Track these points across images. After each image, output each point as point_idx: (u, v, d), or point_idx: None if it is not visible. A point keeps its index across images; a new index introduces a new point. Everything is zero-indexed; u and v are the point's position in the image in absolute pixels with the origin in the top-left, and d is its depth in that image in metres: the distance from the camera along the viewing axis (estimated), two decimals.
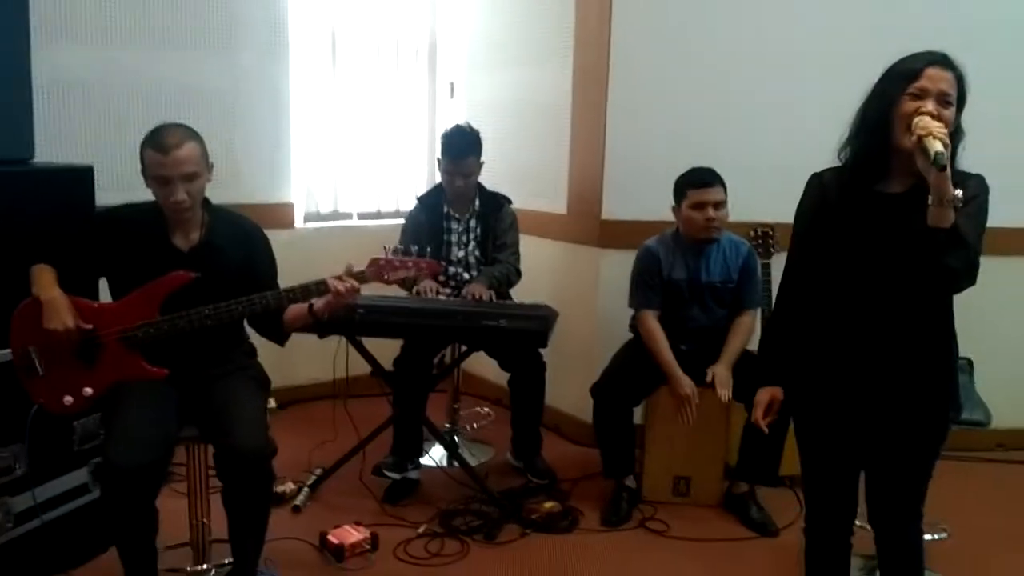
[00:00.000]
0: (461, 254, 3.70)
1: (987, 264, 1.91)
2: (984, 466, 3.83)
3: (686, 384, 3.25)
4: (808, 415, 2.16)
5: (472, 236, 3.71)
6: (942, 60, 1.90)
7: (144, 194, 2.49)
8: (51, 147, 3.07)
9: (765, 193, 3.65)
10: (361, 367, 3.48)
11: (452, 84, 4.85)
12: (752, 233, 3.59)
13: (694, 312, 3.39)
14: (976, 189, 1.91)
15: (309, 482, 3.42)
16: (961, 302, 2.03)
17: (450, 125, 3.73)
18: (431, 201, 3.73)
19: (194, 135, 2.41)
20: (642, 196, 3.70)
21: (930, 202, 1.79)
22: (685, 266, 3.38)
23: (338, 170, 4.63)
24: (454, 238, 3.70)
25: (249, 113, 4.09)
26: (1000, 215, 2.03)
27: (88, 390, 2.36)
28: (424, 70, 4.85)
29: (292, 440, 3.46)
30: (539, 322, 3.21)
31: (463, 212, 3.70)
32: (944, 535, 2.89)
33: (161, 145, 2.33)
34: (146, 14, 3.74)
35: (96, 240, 2.49)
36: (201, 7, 3.88)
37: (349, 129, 4.61)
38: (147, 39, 3.75)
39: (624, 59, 3.76)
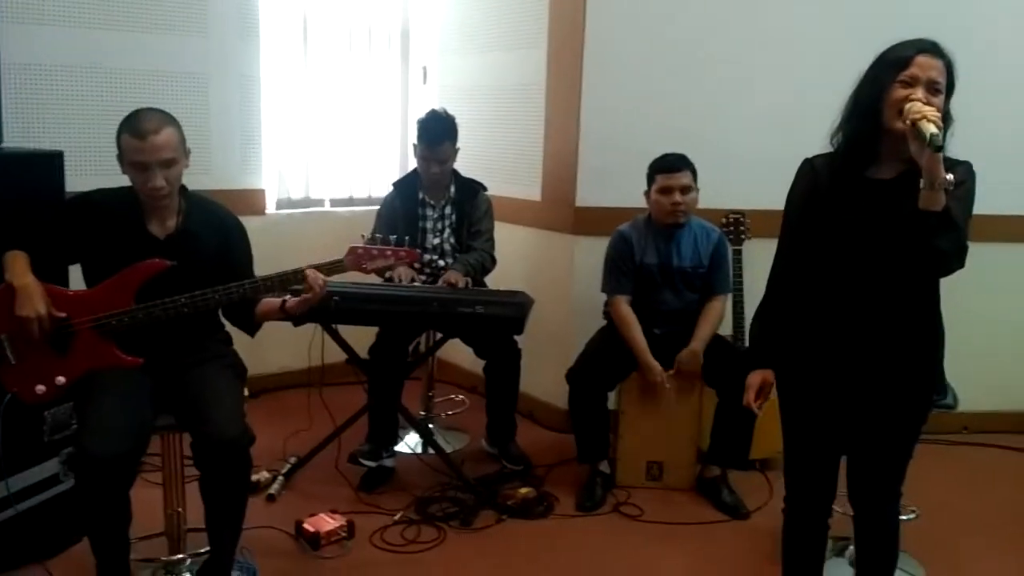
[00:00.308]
0: (436, 241, 3.69)
1: None
2: (950, 448, 3.91)
3: (657, 372, 3.29)
4: (796, 397, 2.18)
5: (447, 223, 3.70)
6: (932, 48, 1.93)
7: (116, 179, 2.45)
8: (21, 132, 3.02)
9: (737, 180, 3.70)
10: (336, 355, 3.47)
11: (425, 69, 4.82)
12: (724, 220, 3.63)
13: (666, 296, 3.43)
14: (964, 175, 1.94)
15: (284, 471, 3.40)
16: None
17: (425, 111, 3.71)
18: (406, 187, 3.70)
19: (172, 120, 2.38)
20: (616, 183, 3.71)
21: (922, 186, 1.82)
22: (656, 251, 3.41)
23: (310, 156, 4.59)
24: (429, 225, 3.69)
25: (219, 98, 4.03)
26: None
27: (61, 379, 2.32)
28: (397, 55, 4.82)
29: (266, 429, 3.44)
30: (515, 308, 3.22)
31: (438, 199, 3.69)
32: (913, 516, 2.95)
33: (139, 130, 2.30)
34: None
35: (68, 226, 2.45)
36: None
37: (321, 115, 4.57)
38: (117, 22, 3.68)
39: (598, 45, 3.76)
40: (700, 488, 3.44)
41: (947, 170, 1.82)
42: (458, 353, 4.18)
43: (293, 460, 3.48)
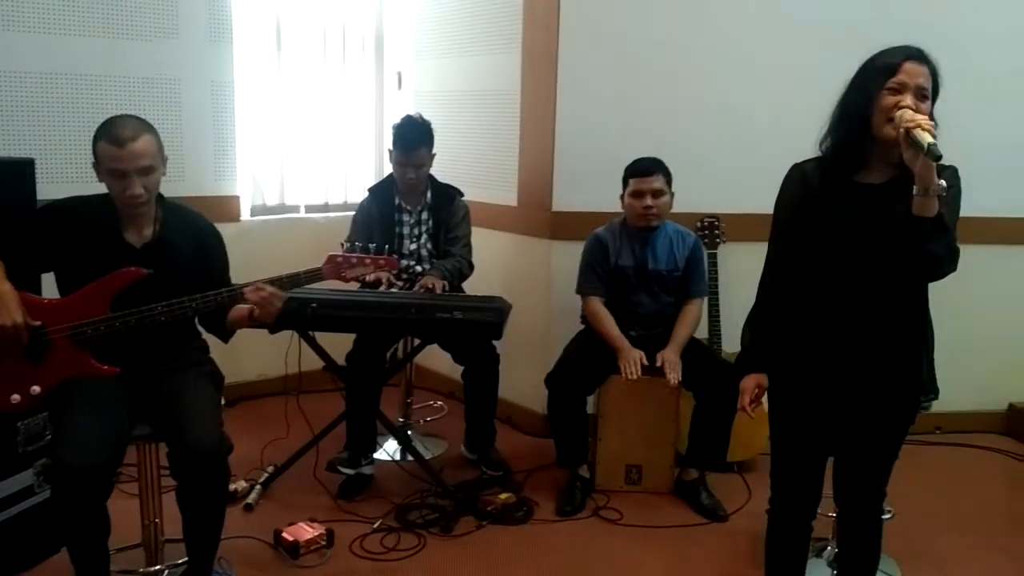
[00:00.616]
0: (413, 247, 3.68)
1: None
2: (924, 448, 3.96)
3: (634, 353, 3.27)
4: (787, 400, 2.19)
5: (424, 229, 3.69)
6: (918, 55, 1.96)
7: (88, 187, 2.43)
8: None
9: (712, 185, 3.73)
10: (313, 362, 3.45)
11: (400, 74, 4.81)
12: (699, 224, 3.66)
13: (642, 298, 3.44)
14: (951, 179, 1.97)
15: (262, 479, 3.37)
16: None
17: (400, 116, 3.69)
18: (382, 193, 3.69)
19: (149, 127, 2.35)
20: (592, 187, 3.72)
21: (915, 192, 1.84)
22: (632, 253, 3.43)
23: (284, 162, 4.56)
24: (406, 231, 3.67)
25: (192, 104, 4.00)
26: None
27: (36, 388, 2.29)
28: (371, 60, 4.80)
29: (243, 437, 3.40)
30: (493, 313, 3.22)
31: (415, 204, 3.68)
32: (889, 516, 2.98)
33: (116, 138, 2.27)
34: (87, 1, 3.63)
35: (42, 234, 2.41)
36: None
37: (295, 120, 4.54)
38: (88, 28, 3.64)
39: (573, 49, 3.77)
40: (679, 491, 3.45)
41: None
42: (436, 359, 4.16)
43: (271, 469, 3.44)
